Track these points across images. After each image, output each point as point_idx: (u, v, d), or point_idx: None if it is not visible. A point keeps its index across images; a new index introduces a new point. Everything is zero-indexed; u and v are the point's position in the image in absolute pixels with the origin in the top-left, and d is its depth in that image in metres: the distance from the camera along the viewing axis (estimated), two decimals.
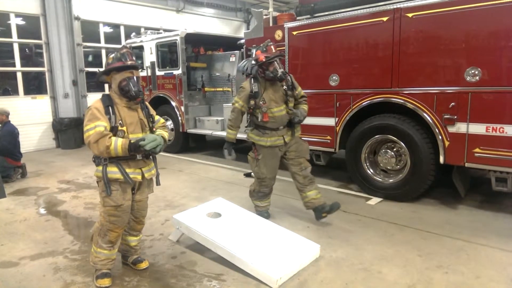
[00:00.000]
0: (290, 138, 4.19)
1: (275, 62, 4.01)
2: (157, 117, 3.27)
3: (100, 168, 2.97)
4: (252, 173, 4.32)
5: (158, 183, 3.30)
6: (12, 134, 6.48)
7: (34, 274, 3.32)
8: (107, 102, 2.96)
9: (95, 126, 2.81)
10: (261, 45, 4.12)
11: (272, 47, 4.06)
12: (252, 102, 4.04)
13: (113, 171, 2.94)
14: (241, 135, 7.56)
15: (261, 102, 4.03)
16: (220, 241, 3.38)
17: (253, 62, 4.15)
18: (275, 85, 4.11)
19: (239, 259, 3.21)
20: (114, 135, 2.88)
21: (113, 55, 3.03)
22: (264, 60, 3.96)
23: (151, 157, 3.17)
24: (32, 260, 3.58)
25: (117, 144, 2.80)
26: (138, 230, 3.37)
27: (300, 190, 4.29)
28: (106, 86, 11.15)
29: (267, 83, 4.09)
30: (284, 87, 4.12)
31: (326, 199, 4.30)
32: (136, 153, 2.89)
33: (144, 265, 3.35)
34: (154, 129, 3.20)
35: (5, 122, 6.52)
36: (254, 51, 4.16)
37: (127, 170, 2.97)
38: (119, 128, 2.92)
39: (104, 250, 3.09)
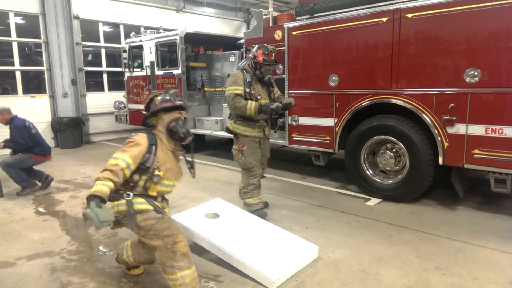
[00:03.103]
0: (268, 132, 4.56)
1: (267, 68, 4.39)
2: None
3: (123, 201, 2.74)
4: (239, 166, 4.50)
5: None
6: (21, 128, 5.65)
7: (30, 274, 3.30)
8: (153, 141, 2.81)
9: (120, 158, 2.62)
10: (265, 45, 4.38)
11: (273, 54, 4.37)
12: (247, 90, 4.24)
13: (140, 202, 2.77)
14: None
15: (252, 91, 4.28)
16: (218, 242, 3.37)
17: (251, 55, 4.40)
18: (261, 81, 4.45)
19: (237, 260, 3.20)
20: (148, 176, 2.74)
21: (160, 97, 2.91)
22: (261, 61, 4.29)
23: (165, 201, 3.02)
24: (29, 261, 3.56)
25: (98, 185, 2.49)
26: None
27: None
28: (106, 86, 11.16)
29: (254, 76, 4.38)
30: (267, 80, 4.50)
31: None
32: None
33: (138, 270, 3.27)
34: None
35: (12, 119, 5.74)
36: (256, 47, 4.40)
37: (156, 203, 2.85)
38: (156, 172, 2.75)
39: (185, 270, 2.71)
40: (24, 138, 5.64)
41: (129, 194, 2.74)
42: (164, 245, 2.72)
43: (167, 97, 2.89)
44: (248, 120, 4.30)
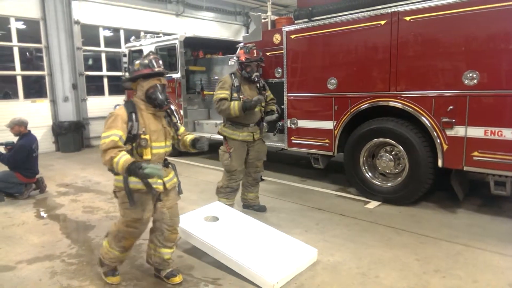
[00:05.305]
0: (259, 136, 4.56)
1: (253, 65, 4.42)
2: (182, 131, 3.20)
3: (120, 177, 2.81)
4: (223, 167, 4.59)
5: (180, 192, 3.19)
6: (24, 149, 5.61)
7: (30, 278, 3.31)
8: (131, 108, 2.86)
9: (111, 135, 2.70)
10: (247, 45, 4.51)
11: (254, 51, 4.45)
12: (235, 94, 4.30)
13: (135, 181, 2.79)
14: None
15: (241, 96, 4.33)
16: (217, 245, 3.37)
17: (235, 58, 4.52)
18: (250, 84, 4.49)
19: (236, 263, 3.21)
20: (136, 142, 2.80)
21: (139, 61, 2.93)
22: (243, 60, 4.38)
23: (170, 166, 3.10)
24: (29, 264, 3.57)
25: (121, 159, 2.62)
26: (173, 240, 3.17)
27: (245, 188, 4.79)
28: (106, 90, 11.20)
29: (243, 80, 4.44)
30: (258, 86, 4.56)
31: (260, 200, 4.93)
32: (134, 176, 2.66)
33: (178, 279, 3.14)
34: (178, 137, 3.16)
35: (23, 134, 5.76)
36: (238, 49, 4.44)
37: (149, 180, 2.80)
38: (142, 136, 2.81)
39: (115, 251, 3.05)
40: (18, 159, 5.60)
41: None
42: (118, 230, 3.00)
43: (146, 62, 2.89)
44: (236, 124, 4.37)
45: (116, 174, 2.86)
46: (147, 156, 2.86)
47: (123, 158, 2.64)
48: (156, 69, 2.90)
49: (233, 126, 4.39)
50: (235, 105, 4.18)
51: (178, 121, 3.25)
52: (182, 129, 3.23)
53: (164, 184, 2.97)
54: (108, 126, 2.77)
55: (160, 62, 2.99)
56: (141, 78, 2.89)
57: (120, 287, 3.13)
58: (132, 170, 2.59)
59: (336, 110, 5.36)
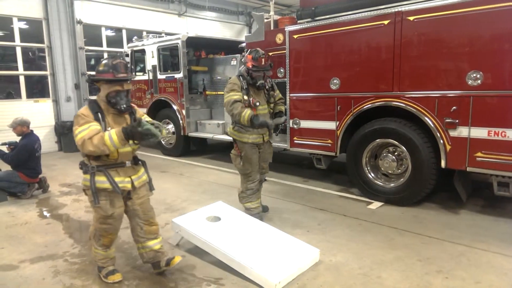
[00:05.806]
0: (268, 138, 4.49)
1: (259, 72, 4.30)
2: (144, 118, 3.13)
3: (88, 176, 2.90)
4: (237, 170, 4.54)
5: (151, 189, 3.24)
6: (27, 148, 5.63)
7: (33, 277, 3.32)
8: (96, 109, 2.89)
9: (89, 126, 2.75)
10: (257, 50, 4.34)
11: (263, 59, 4.26)
12: (245, 97, 4.21)
13: (101, 181, 2.89)
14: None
15: (250, 98, 4.24)
16: (219, 245, 3.37)
17: (243, 60, 4.45)
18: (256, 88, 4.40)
19: (238, 263, 3.21)
20: None
21: (105, 61, 2.91)
22: (250, 67, 4.27)
23: (140, 162, 3.14)
24: (32, 263, 3.58)
25: (111, 133, 2.70)
26: (154, 232, 3.23)
27: None
28: None
29: (250, 84, 4.34)
30: (266, 87, 4.46)
31: (262, 200, 4.75)
32: (134, 138, 2.72)
33: (177, 259, 3.22)
34: None
35: (26, 134, 5.77)
36: (248, 51, 4.39)
37: (116, 179, 2.91)
38: None
39: (100, 251, 3.17)
40: (21, 158, 5.62)
41: (93, 167, 2.88)
42: (95, 228, 3.10)
43: (110, 65, 2.86)
44: (245, 127, 4.28)
45: (85, 172, 2.94)
46: (114, 155, 2.91)
47: (113, 131, 2.72)
48: (119, 75, 2.87)
49: (242, 129, 4.31)
50: (245, 115, 4.09)
51: (145, 115, 3.21)
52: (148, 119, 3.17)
53: (132, 182, 3.02)
54: (81, 124, 2.79)
55: (127, 67, 2.97)
56: (103, 82, 2.91)
57: (123, 286, 3.14)
58: (130, 131, 2.67)
59: (338, 111, 5.35)
